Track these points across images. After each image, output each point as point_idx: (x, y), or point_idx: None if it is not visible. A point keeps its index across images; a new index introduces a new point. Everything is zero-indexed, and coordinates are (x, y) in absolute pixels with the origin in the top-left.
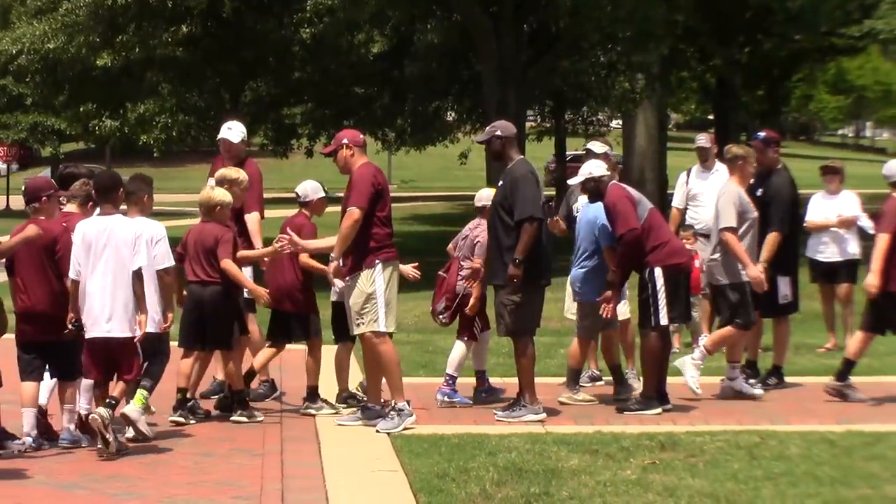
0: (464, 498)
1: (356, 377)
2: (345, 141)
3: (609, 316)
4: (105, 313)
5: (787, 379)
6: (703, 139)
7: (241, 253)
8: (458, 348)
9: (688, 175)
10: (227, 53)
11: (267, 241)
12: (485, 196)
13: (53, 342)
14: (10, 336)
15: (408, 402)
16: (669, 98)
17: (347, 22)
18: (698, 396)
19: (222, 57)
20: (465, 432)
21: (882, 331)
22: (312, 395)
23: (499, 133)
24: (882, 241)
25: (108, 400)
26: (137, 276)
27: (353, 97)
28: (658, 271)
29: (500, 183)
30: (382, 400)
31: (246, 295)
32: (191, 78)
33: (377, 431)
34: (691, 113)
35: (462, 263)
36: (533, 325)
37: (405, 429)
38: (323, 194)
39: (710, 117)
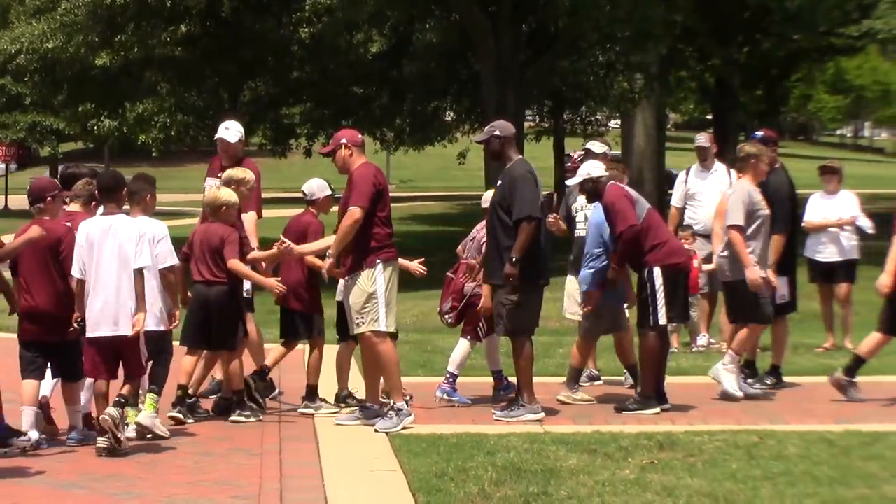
0: (462, 497)
1: (357, 378)
2: (343, 141)
3: (588, 312)
4: (111, 313)
5: (786, 379)
6: (703, 139)
7: (250, 255)
8: (461, 347)
9: (687, 174)
10: (226, 53)
11: (266, 241)
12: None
13: (57, 342)
14: (9, 335)
15: (406, 402)
16: (668, 98)
17: (346, 21)
18: (737, 399)
19: (221, 56)
20: (464, 432)
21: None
22: (311, 394)
23: (498, 133)
24: None
25: (117, 399)
26: (139, 274)
27: (351, 97)
28: (657, 271)
29: (499, 183)
30: (384, 394)
31: (245, 294)
32: (189, 77)
33: (376, 431)
34: (690, 113)
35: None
36: (531, 325)
37: (404, 428)
38: (329, 192)
39: (709, 117)
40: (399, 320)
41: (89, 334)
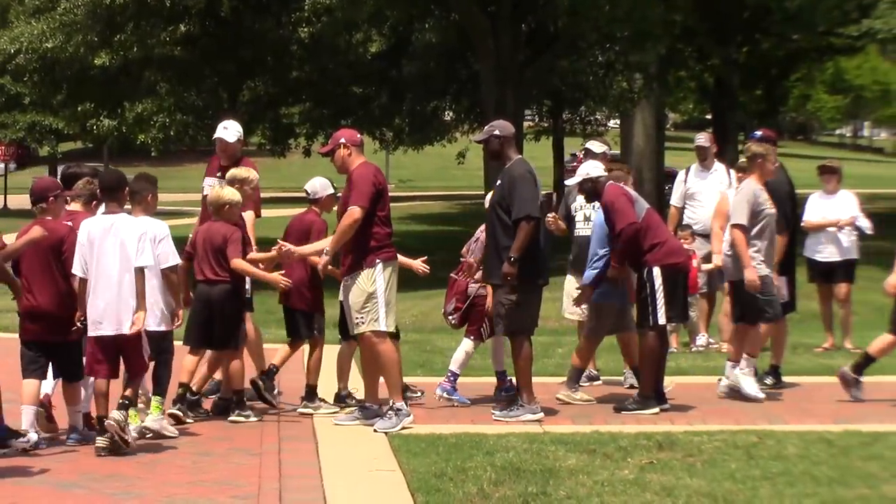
0: (461, 497)
1: (357, 378)
2: (342, 140)
3: (581, 307)
4: (113, 311)
5: (785, 378)
6: (703, 138)
7: (248, 256)
8: (464, 347)
9: (686, 174)
10: (225, 53)
11: (265, 241)
12: None
13: (59, 342)
14: (10, 335)
15: (405, 401)
16: (667, 98)
17: (345, 21)
18: (759, 400)
19: (220, 56)
20: (463, 432)
21: None
22: (311, 394)
23: (497, 133)
24: None
25: (120, 402)
26: (139, 273)
27: (351, 97)
28: (656, 271)
29: (498, 182)
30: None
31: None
32: (189, 77)
33: (375, 431)
34: (689, 112)
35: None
36: (531, 324)
37: (403, 428)
38: (332, 191)
39: (708, 117)
40: (398, 320)
41: (91, 333)
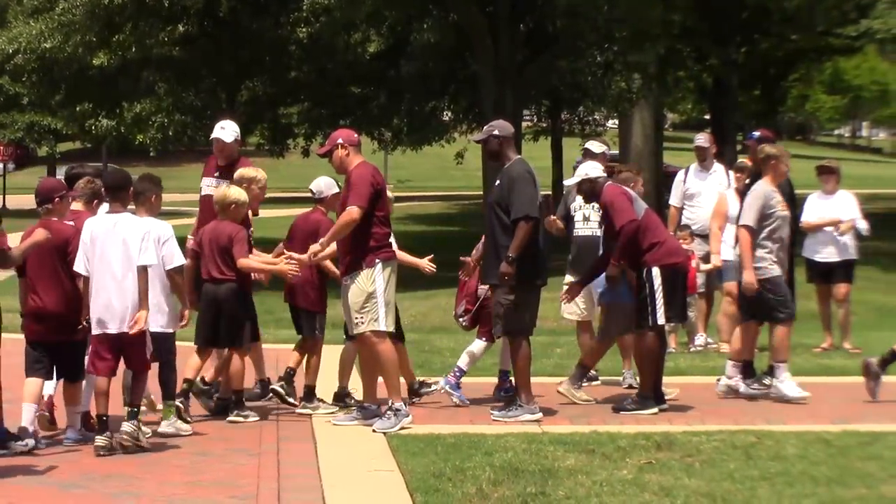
0: (460, 498)
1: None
2: (340, 141)
3: (566, 302)
4: (115, 310)
5: None
6: (702, 139)
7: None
8: (475, 346)
9: (685, 174)
10: (224, 53)
11: (265, 241)
12: None
13: (65, 342)
14: (11, 335)
15: (420, 396)
16: (666, 98)
17: (344, 21)
18: (806, 400)
19: (219, 56)
20: (462, 432)
21: None
22: (309, 394)
23: (497, 132)
24: None
25: (129, 410)
26: (142, 272)
27: (349, 97)
28: (655, 271)
29: (498, 182)
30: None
31: None
32: (187, 77)
33: (374, 431)
34: (688, 113)
35: None
36: (529, 325)
37: (402, 429)
38: (337, 190)
39: (707, 117)
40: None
41: (95, 331)
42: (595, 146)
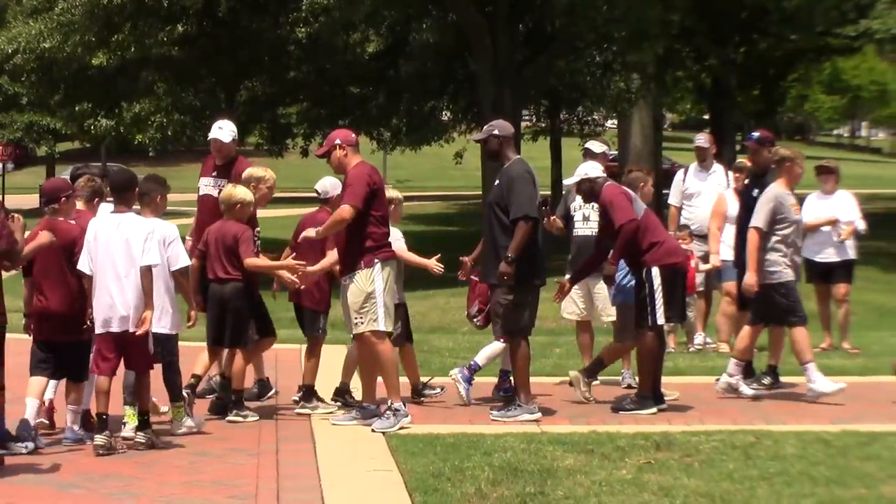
0: (459, 497)
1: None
2: (337, 141)
3: (557, 301)
4: (119, 310)
5: (783, 379)
6: (702, 139)
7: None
8: (494, 345)
9: (685, 173)
10: (223, 53)
11: (266, 241)
12: None
13: (71, 342)
14: (13, 335)
15: (404, 402)
16: (665, 98)
17: (343, 21)
18: (841, 390)
19: (218, 56)
20: (461, 432)
21: None
22: (308, 394)
23: (497, 132)
24: None
25: (140, 419)
26: (146, 272)
27: (348, 97)
28: (655, 271)
29: (497, 182)
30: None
31: None
32: (186, 77)
33: (373, 431)
34: (687, 113)
35: None
36: (528, 325)
37: (401, 428)
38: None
39: (706, 117)
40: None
41: (98, 330)
42: (595, 146)
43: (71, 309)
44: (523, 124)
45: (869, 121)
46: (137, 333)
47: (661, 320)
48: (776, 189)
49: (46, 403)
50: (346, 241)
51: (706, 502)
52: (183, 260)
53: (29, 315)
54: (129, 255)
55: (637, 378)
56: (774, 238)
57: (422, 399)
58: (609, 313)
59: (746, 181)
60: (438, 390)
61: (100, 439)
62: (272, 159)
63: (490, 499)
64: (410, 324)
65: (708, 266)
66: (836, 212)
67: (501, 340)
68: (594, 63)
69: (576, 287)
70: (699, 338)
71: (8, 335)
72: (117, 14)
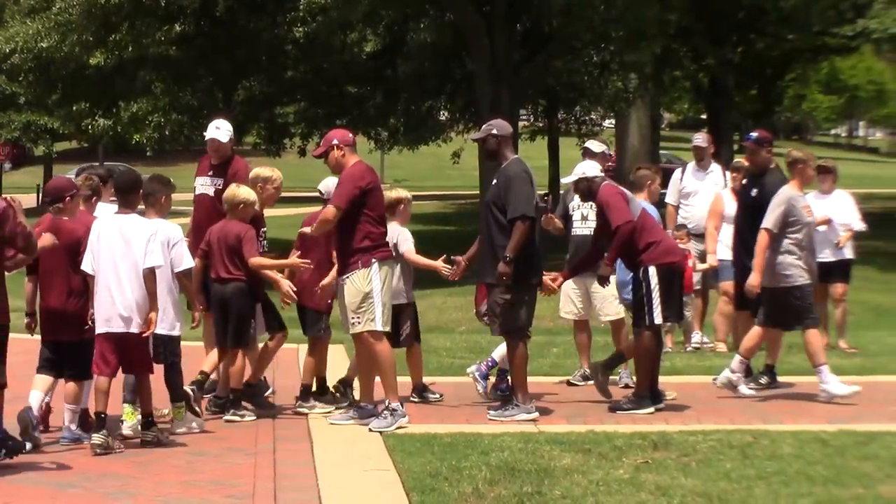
0: (456, 497)
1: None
2: (335, 142)
3: (547, 294)
4: (119, 310)
5: (780, 378)
6: (700, 139)
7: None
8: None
9: (682, 172)
10: (221, 52)
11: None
12: None
13: (74, 341)
14: (15, 335)
15: (402, 403)
16: (662, 97)
17: (340, 21)
18: (855, 393)
19: (215, 56)
20: (458, 431)
21: None
22: (305, 393)
23: (495, 132)
24: None
25: (144, 421)
26: (150, 273)
27: (345, 96)
28: (652, 270)
29: (494, 182)
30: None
31: None
32: (184, 77)
33: (370, 430)
34: (684, 112)
35: None
36: (526, 324)
37: (398, 428)
38: None
39: (703, 117)
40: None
41: (99, 330)
42: (595, 145)
43: (74, 308)
44: (521, 124)
45: (866, 120)
46: (144, 335)
47: (658, 320)
48: (788, 191)
49: (42, 407)
50: (343, 241)
51: (703, 502)
52: (187, 261)
53: (30, 314)
54: (131, 257)
55: (634, 378)
56: (787, 241)
57: (418, 399)
58: (607, 313)
59: (744, 181)
60: (438, 395)
61: (97, 438)
62: (270, 159)
63: (487, 498)
64: (419, 324)
65: (705, 266)
66: (833, 212)
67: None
68: (592, 63)
69: (573, 287)
70: (696, 337)
71: (10, 335)
72: (115, 14)
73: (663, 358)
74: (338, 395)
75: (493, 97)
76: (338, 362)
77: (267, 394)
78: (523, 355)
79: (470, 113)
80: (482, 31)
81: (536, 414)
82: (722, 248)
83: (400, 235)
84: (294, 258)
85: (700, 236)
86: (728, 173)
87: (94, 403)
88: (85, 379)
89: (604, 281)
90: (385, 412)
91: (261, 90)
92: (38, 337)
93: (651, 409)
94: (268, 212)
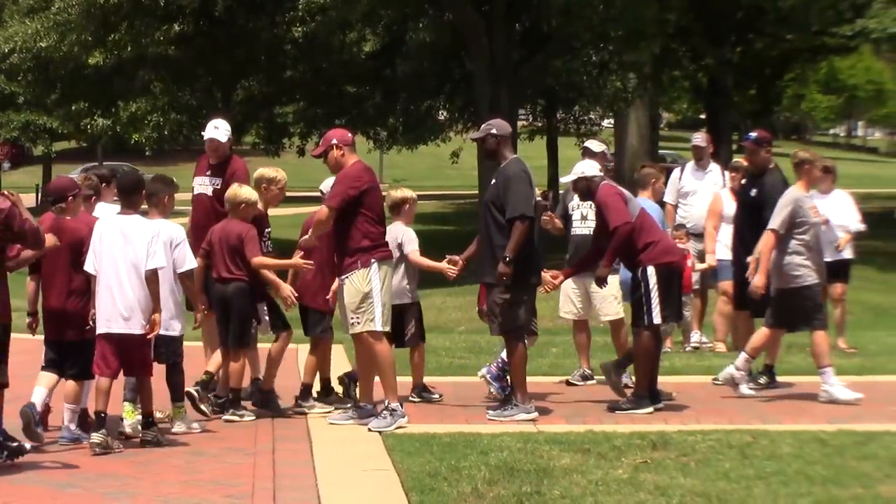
0: (455, 497)
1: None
2: (334, 141)
3: (546, 291)
4: (120, 310)
5: (779, 378)
6: (699, 138)
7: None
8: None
9: (681, 171)
10: (220, 52)
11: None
12: None
13: (76, 340)
14: (16, 335)
15: (401, 403)
16: (661, 97)
17: (339, 21)
18: (858, 401)
19: (214, 55)
20: (457, 431)
21: None
22: (305, 393)
23: (494, 131)
24: None
25: (145, 421)
26: (153, 275)
27: (345, 96)
28: (650, 270)
29: (493, 181)
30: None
31: None
32: (183, 76)
33: (369, 430)
34: (683, 112)
35: None
36: (525, 324)
37: (397, 428)
38: None
39: (702, 117)
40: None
41: (99, 330)
42: (595, 145)
43: (75, 308)
44: (520, 123)
45: (865, 120)
46: (148, 337)
47: (657, 319)
48: (795, 192)
49: (41, 407)
50: (342, 241)
51: (702, 502)
52: (189, 262)
53: (32, 314)
54: (132, 258)
55: (633, 378)
56: (794, 241)
57: (417, 399)
58: (606, 313)
59: (743, 181)
60: (437, 396)
61: (97, 437)
62: (269, 158)
63: (486, 498)
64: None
65: (704, 265)
66: (832, 212)
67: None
68: (591, 62)
69: (573, 287)
70: (695, 337)
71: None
72: (114, 13)
73: (662, 358)
74: (341, 389)
75: (492, 97)
76: (338, 362)
77: None
78: (522, 355)
79: (469, 112)
80: (481, 30)
81: (535, 414)
82: (721, 247)
83: (405, 235)
84: (297, 259)
85: (699, 236)
86: (727, 173)
87: (94, 403)
88: (85, 378)
89: (601, 282)
90: (384, 412)
91: (260, 90)
92: (39, 337)
93: (650, 409)
94: (268, 212)
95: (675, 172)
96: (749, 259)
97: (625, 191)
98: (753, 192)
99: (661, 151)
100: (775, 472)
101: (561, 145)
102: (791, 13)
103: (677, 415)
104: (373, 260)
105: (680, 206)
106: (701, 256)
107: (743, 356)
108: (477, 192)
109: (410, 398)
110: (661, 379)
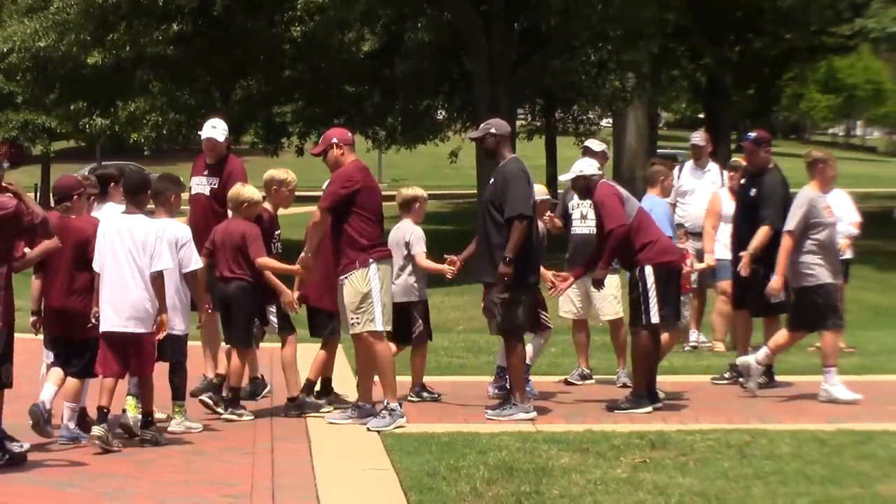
0: (454, 496)
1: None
2: (334, 140)
3: (554, 295)
4: (123, 310)
5: (778, 378)
6: (698, 137)
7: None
8: (534, 342)
9: (680, 171)
10: (218, 52)
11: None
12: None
13: (79, 339)
14: (20, 335)
15: (400, 403)
16: (660, 97)
17: (338, 20)
18: (858, 401)
19: (213, 55)
20: (456, 431)
21: None
22: (308, 389)
23: (493, 131)
24: None
25: (144, 420)
26: (158, 276)
27: (343, 95)
28: (648, 270)
29: (492, 181)
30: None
31: None
32: (181, 76)
33: (368, 430)
34: (682, 112)
35: None
36: (524, 323)
37: (396, 427)
38: None
39: (701, 116)
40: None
41: (102, 328)
42: (595, 144)
43: (77, 306)
44: (518, 123)
45: (864, 120)
46: (157, 338)
47: (655, 319)
48: (808, 192)
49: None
50: (340, 242)
51: (701, 501)
52: (195, 262)
53: (36, 312)
54: (135, 258)
55: (632, 377)
56: (809, 242)
57: (416, 399)
58: (605, 312)
59: (742, 181)
60: (436, 395)
61: (97, 430)
62: (268, 158)
63: (485, 498)
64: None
65: (702, 265)
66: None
67: (533, 333)
68: (589, 62)
69: (573, 286)
70: (694, 336)
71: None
72: (112, 13)
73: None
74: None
75: (490, 96)
76: (338, 363)
77: (264, 392)
78: (521, 355)
79: (468, 112)
80: (480, 30)
81: (534, 413)
82: (720, 247)
83: (413, 235)
84: (299, 266)
85: (697, 235)
86: (725, 172)
87: (97, 399)
88: (86, 377)
89: (598, 284)
90: (383, 412)
91: (258, 89)
92: (40, 337)
93: (649, 409)
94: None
95: (675, 171)
96: (742, 253)
97: (623, 190)
98: (753, 191)
99: (671, 150)
100: (774, 472)
101: (559, 145)
102: (790, 13)
103: (676, 414)
104: (371, 260)
105: (678, 206)
106: (700, 256)
107: (765, 351)
108: (475, 191)
109: (409, 398)
110: (660, 378)
